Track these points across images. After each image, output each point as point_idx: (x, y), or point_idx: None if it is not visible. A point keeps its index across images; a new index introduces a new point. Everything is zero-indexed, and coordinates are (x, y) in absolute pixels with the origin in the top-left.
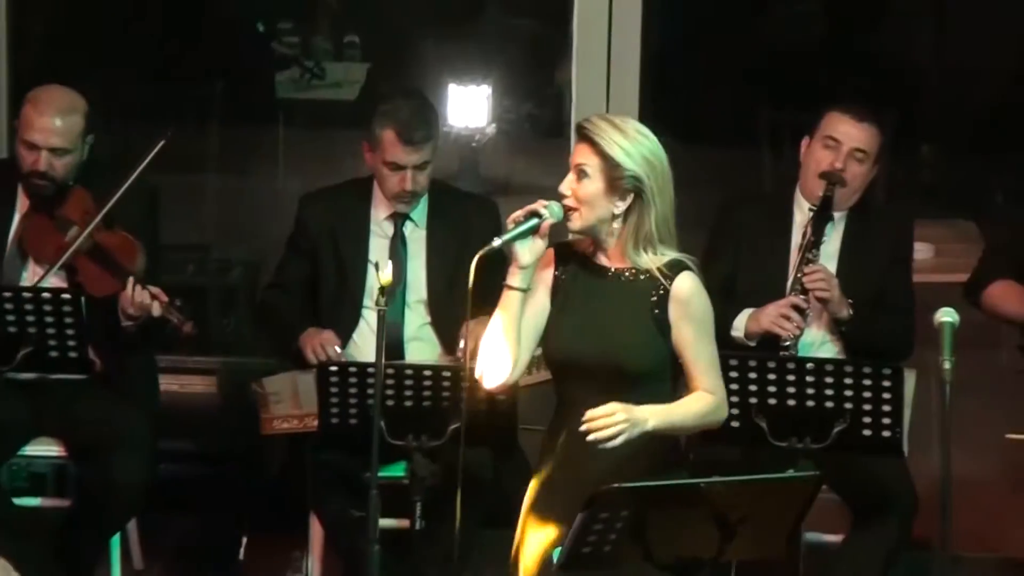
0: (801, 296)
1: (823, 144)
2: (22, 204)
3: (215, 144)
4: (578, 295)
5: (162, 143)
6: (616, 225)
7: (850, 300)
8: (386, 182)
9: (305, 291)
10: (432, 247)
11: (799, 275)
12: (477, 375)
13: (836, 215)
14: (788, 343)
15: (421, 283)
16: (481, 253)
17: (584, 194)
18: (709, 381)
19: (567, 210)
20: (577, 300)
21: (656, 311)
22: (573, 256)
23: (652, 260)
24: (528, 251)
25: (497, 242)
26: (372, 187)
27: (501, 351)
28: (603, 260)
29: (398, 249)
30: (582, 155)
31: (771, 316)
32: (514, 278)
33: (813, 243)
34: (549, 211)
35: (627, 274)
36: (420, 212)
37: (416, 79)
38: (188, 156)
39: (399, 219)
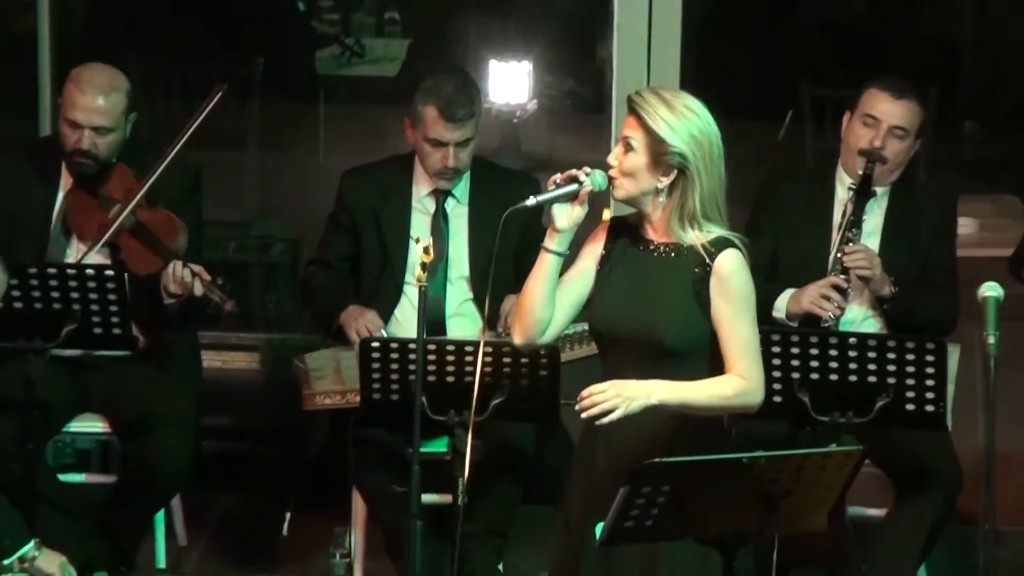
0: (842, 276)
1: (862, 122)
2: (66, 182)
3: (256, 122)
4: (624, 268)
5: (219, 94)
6: (661, 199)
7: (892, 278)
8: (428, 159)
9: (347, 267)
10: (474, 223)
11: (839, 254)
12: (510, 330)
13: (878, 191)
14: (828, 324)
15: (463, 259)
16: (514, 208)
17: (628, 166)
18: (742, 364)
19: (611, 180)
20: (622, 272)
21: (697, 287)
22: (626, 230)
23: (697, 236)
24: (565, 215)
25: (532, 201)
26: (414, 163)
27: (530, 310)
28: (649, 234)
29: (440, 225)
30: (630, 128)
31: (811, 296)
32: (551, 241)
33: (853, 222)
34: (591, 179)
35: (671, 249)
36: (462, 188)
37: (457, 55)
38: (230, 133)
39: (441, 195)
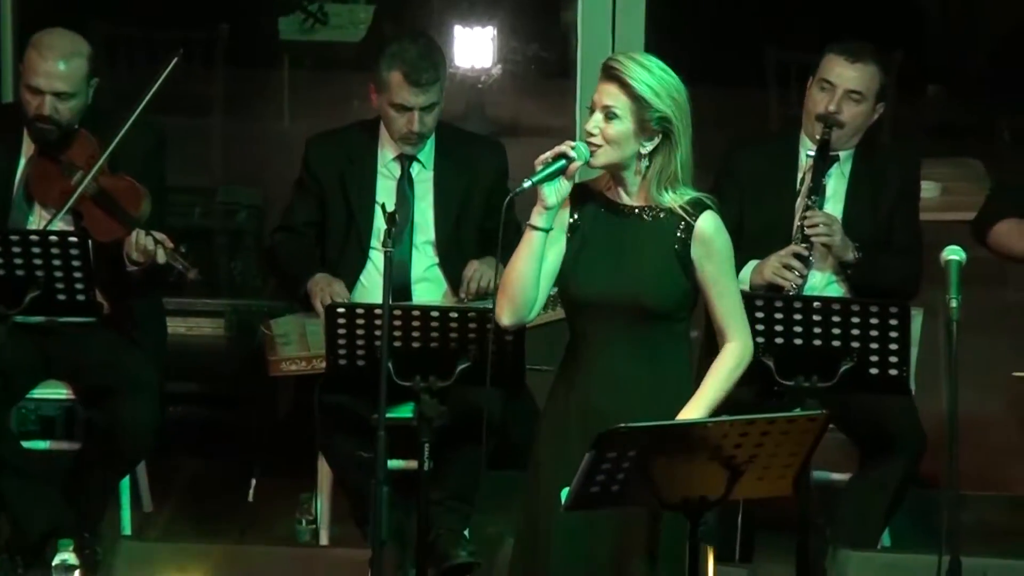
0: (803, 244)
1: (819, 86)
2: (28, 149)
3: (220, 87)
4: (599, 235)
5: (175, 60)
6: (643, 164)
7: (855, 243)
8: (393, 124)
9: (314, 233)
10: (439, 188)
11: (800, 222)
12: (495, 312)
13: (841, 155)
14: (792, 292)
15: (429, 224)
16: (514, 193)
17: (613, 134)
18: (735, 323)
19: (592, 148)
20: (599, 240)
21: (678, 248)
22: (591, 196)
23: (674, 199)
24: (555, 192)
25: (527, 183)
26: (379, 129)
27: (521, 290)
28: (624, 199)
29: (405, 190)
30: (610, 96)
31: (773, 267)
32: (538, 218)
33: (813, 188)
34: (576, 152)
35: (649, 213)
36: (427, 153)
37: (422, 21)
38: (194, 99)
39: (406, 160)
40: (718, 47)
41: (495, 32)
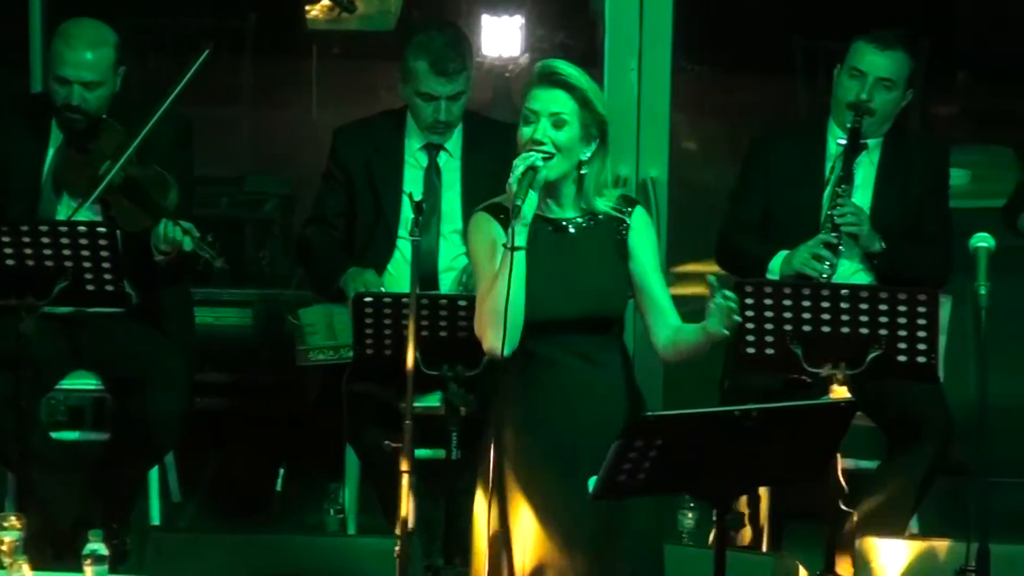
0: (833, 233)
1: (849, 74)
2: (56, 138)
3: (248, 77)
4: (540, 253)
5: (206, 52)
6: (583, 171)
7: (879, 234)
8: (420, 113)
9: (344, 224)
10: (467, 177)
11: (830, 211)
12: (490, 346)
13: (870, 143)
14: (824, 279)
15: (456, 213)
16: (514, 222)
17: (565, 141)
18: (673, 308)
19: (544, 157)
20: (541, 258)
21: (621, 249)
22: (508, 216)
23: (606, 202)
24: (530, 207)
25: (521, 202)
26: (406, 118)
27: (519, 315)
28: (556, 211)
29: (432, 180)
30: (556, 102)
31: (802, 258)
32: (518, 237)
33: (843, 177)
34: (535, 161)
35: (587, 221)
36: (454, 143)
37: (449, 10)
38: (222, 89)
39: (433, 150)
40: (745, 35)
41: (523, 21)
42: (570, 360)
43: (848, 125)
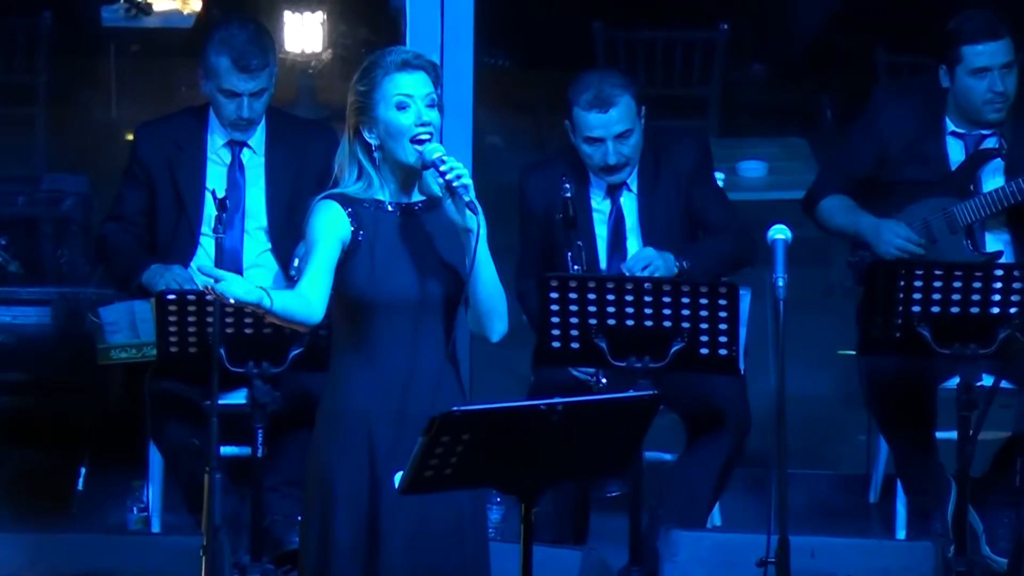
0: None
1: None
2: None
3: (45, 75)
4: (388, 239)
5: None
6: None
7: (679, 260)
8: (222, 109)
9: (144, 222)
10: (271, 174)
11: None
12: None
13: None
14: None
15: (260, 210)
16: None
17: (438, 123)
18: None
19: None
20: (389, 244)
21: (460, 226)
22: (351, 202)
23: (435, 183)
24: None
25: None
26: (208, 115)
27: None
28: (398, 196)
29: (236, 176)
30: (427, 84)
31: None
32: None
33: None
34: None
35: (429, 202)
36: (258, 139)
37: (249, 6)
38: (18, 88)
39: (236, 147)
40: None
41: (324, 17)
42: (421, 344)
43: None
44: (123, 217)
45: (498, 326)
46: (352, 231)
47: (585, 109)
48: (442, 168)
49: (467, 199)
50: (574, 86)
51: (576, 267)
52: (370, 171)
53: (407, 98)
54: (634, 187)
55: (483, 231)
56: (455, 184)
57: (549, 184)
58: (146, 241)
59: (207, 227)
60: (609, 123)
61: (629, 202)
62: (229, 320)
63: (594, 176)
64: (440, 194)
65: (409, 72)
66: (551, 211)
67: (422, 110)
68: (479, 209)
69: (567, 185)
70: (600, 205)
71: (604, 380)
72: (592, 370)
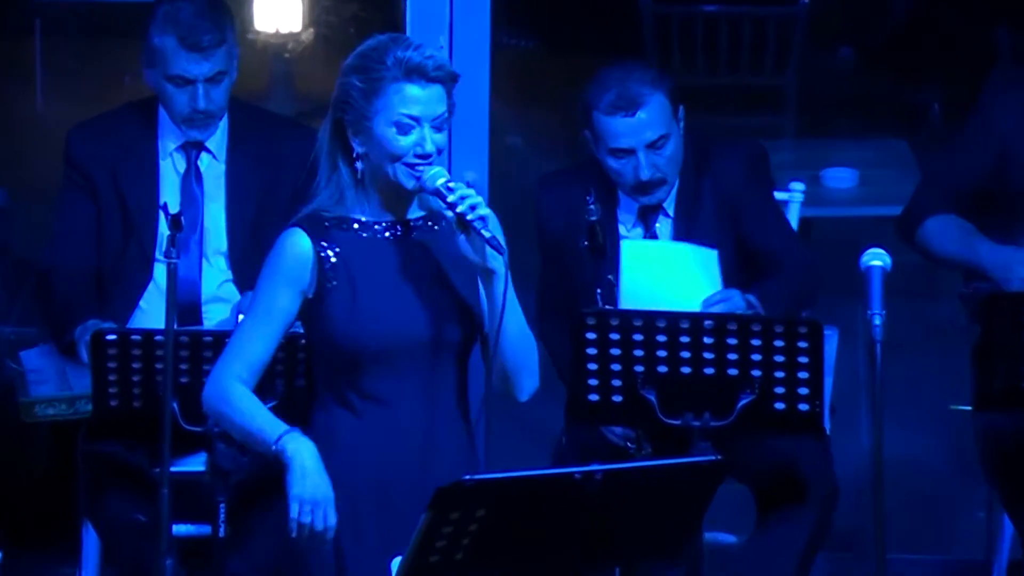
0: None
1: None
2: None
3: None
4: (371, 271)
5: None
6: None
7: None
8: (172, 102)
9: (96, 249)
10: (232, 185)
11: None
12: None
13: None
14: None
15: (220, 229)
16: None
17: (443, 146)
18: None
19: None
20: (373, 276)
21: (465, 248)
22: (321, 231)
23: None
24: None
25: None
26: (157, 112)
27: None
28: (396, 213)
29: (192, 188)
30: (441, 101)
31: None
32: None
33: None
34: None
35: (428, 221)
36: (218, 141)
37: None
38: None
39: (192, 150)
40: (576, 12)
41: None
42: (417, 397)
43: None
44: (71, 247)
45: (527, 383)
46: (316, 280)
47: (608, 114)
48: (450, 199)
49: (487, 235)
50: (591, 87)
51: (607, 308)
52: (345, 181)
53: (413, 121)
54: (671, 210)
55: (508, 274)
56: (469, 217)
57: (571, 202)
58: (92, 288)
59: (160, 251)
60: (638, 129)
61: (665, 231)
62: (184, 367)
63: (623, 195)
64: (448, 218)
65: (423, 86)
66: (574, 236)
67: (427, 136)
68: (504, 248)
69: (592, 207)
70: (630, 232)
71: (649, 447)
72: (632, 432)
